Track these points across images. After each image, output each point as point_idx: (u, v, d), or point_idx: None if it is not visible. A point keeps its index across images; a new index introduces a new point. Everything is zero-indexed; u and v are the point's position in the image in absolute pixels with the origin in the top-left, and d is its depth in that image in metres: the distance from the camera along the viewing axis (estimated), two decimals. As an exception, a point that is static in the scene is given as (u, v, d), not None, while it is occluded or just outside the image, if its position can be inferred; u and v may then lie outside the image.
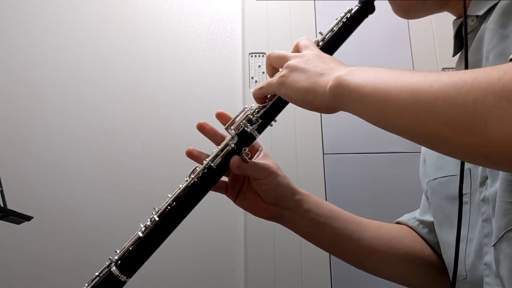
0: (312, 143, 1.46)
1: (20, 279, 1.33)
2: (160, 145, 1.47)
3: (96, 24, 1.57)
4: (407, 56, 1.55)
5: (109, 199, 1.41)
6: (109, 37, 1.56)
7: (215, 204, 1.41)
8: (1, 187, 0.90)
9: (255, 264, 1.36)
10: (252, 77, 1.51)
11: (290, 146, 1.44)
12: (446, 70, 1.52)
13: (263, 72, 1.51)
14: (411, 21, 1.56)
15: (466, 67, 0.56)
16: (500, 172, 0.54)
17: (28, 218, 0.91)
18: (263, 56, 1.52)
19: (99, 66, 1.53)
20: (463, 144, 0.42)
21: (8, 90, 1.49)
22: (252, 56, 1.53)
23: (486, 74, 0.40)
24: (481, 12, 0.60)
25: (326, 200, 1.39)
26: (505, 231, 0.52)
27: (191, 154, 0.70)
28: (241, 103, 1.48)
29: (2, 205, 0.88)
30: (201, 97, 1.51)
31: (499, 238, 0.53)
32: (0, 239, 1.32)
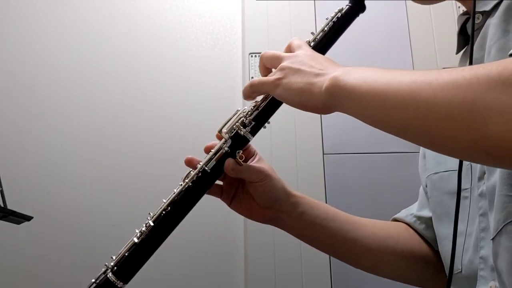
0: (312, 143, 1.46)
1: (20, 279, 1.33)
2: (160, 145, 1.47)
3: (96, 24, 1.57)
4: (407, 56, 1.55)
5: (109, 199, 1.41)
6: (109, 37, 1.56)
7: (215, 204, 1.41)
8: (1, 187, 0.90)
9: (255, 264, 1.36)
10: (252, 77, 1.51)
11: (290, 147, 1.44)
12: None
13: (263, 72, 1.51)
14: (411, 21, 1.56)
15: (471, 64, 0.55)
16: None
17: (28, 218, 0.91)
18: (263, 56, 1.52)
19: (99, 66, 1.53)
20: (463, 141, 0.41)
21: (8, 90, 1.49)
22: (252, 56, 1.53)
23: (485, 70, 0.40)
24: (488, 8, 0.60)
25: (326, 200, 1.40)
26: (504, 224, 0.52)
27: (190, 164, 0.68)
28: (241, 103, 1.48)
29: (2, 205, 0.88)
30: (201, 97, 1.51)
31: (498, 232, 0.53)
32: (0, 239, 1.32)
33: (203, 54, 1.56)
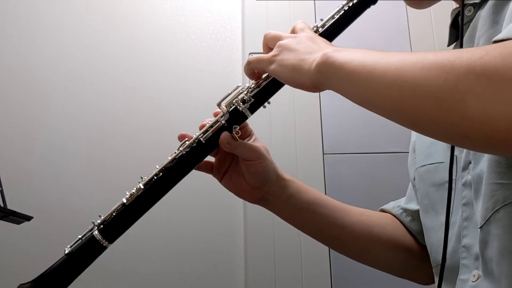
0: (312, 143, 1.46)
1: (20, 279, 1.32)
2: (160, 145, 1.47)
3: (96, 24, 1.57)
4: (407, 56, 1.55)
5: (109, 199, 1.40)
6: (109, 37, 1.56)
7: (215, 203, 1.42)
8: (1, 187, 0.90)
9: (255, 264, 1.36)
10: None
11: (290, 146, 1.44)
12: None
13: (263, 72, 1.51)
14: (411, 19, 1.56)
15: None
16: (485, 155, 0.54)
17: (28, 218, 0.91)
18: (263, 56, 1.52)
19: (99, 66, 1.53)
20: (444, 123, 0.42)
21: (8, 90, 1.49)
22: (252, 56, 1.52)
23: (469, 53, 0.40)
24: (478, 0, 0.60)
25: (326, 200, 1.39)
26: (492, 212, 0.52)
27: (183, 139, 0.70)
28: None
29: (2, 205, 0.88)
30: (201, 97, 1.51)
31: (487, 220, 0.53)
32: (0, 239, 1.32)
33: (203, 54, 1.56)
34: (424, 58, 0.43)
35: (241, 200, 1.38)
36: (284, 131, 1.44)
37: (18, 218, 0.89)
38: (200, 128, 0.69)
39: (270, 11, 1.57)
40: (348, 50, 0.53)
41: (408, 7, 1.58)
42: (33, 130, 1.46)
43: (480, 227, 0.54)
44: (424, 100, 0.42)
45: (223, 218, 1.40)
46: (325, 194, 1.41)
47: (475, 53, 0.40)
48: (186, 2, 1.61)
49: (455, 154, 0.61)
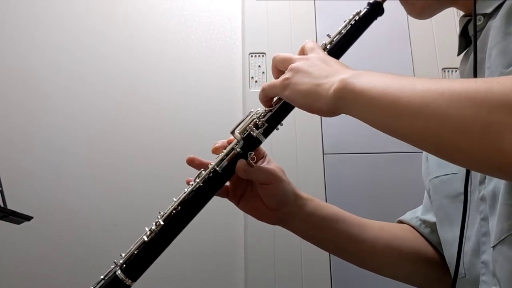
0: (312, 143, 1.46)
1: (20, 279, 1.33)
2: (160, 144, 1.47)
3: (96, 24, 1.57)
4: (407, 56, 1.55)
5: (109, 199, 1.41)
6: (109, 37, 1.56)
7: (215, 205, 1.41)
8: (1, 187, 0.90)
9: (255, 264, 1.36)
10: (252, 77, 1.51)
11: (290, 146, 1.44)
12: (446, 70, 1.53)
13: (263, 72, 1.51)
14: (411, 21, 1.56)
15: (475, 68, 0.55)
16: None
17: (28, 218, 0.91)
18: (263, 56, 1.52)
19: (99, 66, 1.53)
20: (475, 155, 0.41)
21: (8, 90, 1.49)
22: (252, 56, 1.53)
23: (500, 85, 0.40)
24: (489, 10, 0.59)
25: (326, 200, 1.39)
26: (508, 234, 0.52)
27: (192, 163, 0.69)
28: (241, 103, 1.48)
29: (2, 205, 0.88)
30: (201, 97, 1.51)
31: (501, 240, 0.53)
32: (0, 239, 1.32)
33: (203, 54, 1.56)
34: (451, 87, 0.42)
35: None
36: (284, 131, 1.43)
37: (18, 218, 0.89)
38: (213, 152, 0.68)
39: (270, 11, 1.57)
40: (366, 74, 0.52)
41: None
42: (33, 130, 1.46)
43: (493, 246, 0.54)
44: (453, 132, 0.41)
45: (223, 220, 1.40)
46: (325, 194, 1.41)
47: (506, 84, 0.39)
48: (186, 2, 1.61)
49: None
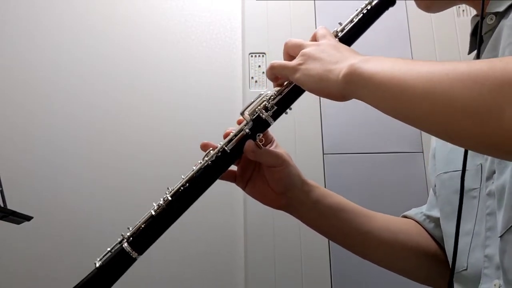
0: (312, 143, 1.46)
1: (20, 279, 1.33)
2: (160, 144, 1.47)
3: (96, 25, 1.57)
4: (407, 56, 1.55)
5: (109, 199, 1.41)
6: (109, 37, 1.56)
7: (215, 204, 1.42)
8: (1, 187, 0.90)
9: (255, 264, 1.36)
10: (252, 77, 1.51)
11: (290, 146, 1.44)
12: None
13: (263, 72, 1.51)
14: (411, 20, 1.56)
15: None
16: (510, 165, 0.54)
17: (28, 218, 0.91)
18: (263, 56, 1.52)
19: (99, 66, 1.53)
20: (478, 134, 0.41)
21: (8, 90, 1.49)
22: (252, 56, 1.53)
23: (503, 63, 0.40)
24: (501, 9, 0.60)
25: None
26: None
27: (206, 147, 0.69)
28: (241, 103, 1.48)
29: (2, 205, 0.88)
30: (201, 97, 1.51)
31: (507, 230, 0.53)
32: (0, 239, 1.32)
33: (203, 54, 1.56)
34: (456, 69, 0.43)
35: (241, 201, 1.39)
36: (284, 131, 1.44)
37: (18, 218, 0.89)
38: (225, 137, 0.68)
39: (270, 11, 1.57)
40: (375, 59, 0.53)
41: (408, 7, 1.58)
42: (33, 130, 1.46)
43: (501, 236, 0.55)
44: (458, 112, 0.42)
45: (223, 219, 1.40)
46: (325, 194, 1.41)
47: (509, 63, 0.39)
48: (186, 2, 1.61)
49: (480, 163, 0.61)
